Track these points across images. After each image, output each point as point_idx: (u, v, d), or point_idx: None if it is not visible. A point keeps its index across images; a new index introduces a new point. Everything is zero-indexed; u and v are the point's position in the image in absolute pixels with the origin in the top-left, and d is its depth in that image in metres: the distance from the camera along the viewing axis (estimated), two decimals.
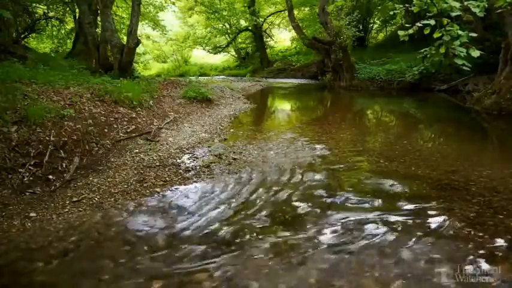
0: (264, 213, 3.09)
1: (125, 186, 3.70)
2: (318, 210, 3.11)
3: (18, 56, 7.84)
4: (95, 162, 4.25)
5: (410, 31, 2.88)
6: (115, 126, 5.38)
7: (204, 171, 4.15)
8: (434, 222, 2.85)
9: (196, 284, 2.19)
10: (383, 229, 2.74)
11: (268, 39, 23.26)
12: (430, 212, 3.02)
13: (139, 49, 16.22)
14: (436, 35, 2.81)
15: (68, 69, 7.79)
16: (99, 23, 10.35)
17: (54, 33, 14.09)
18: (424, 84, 11.69)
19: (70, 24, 14.11)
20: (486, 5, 2.91)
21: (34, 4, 11.47)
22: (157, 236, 2.75)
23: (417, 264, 2.31)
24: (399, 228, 2.75)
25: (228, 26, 22.03)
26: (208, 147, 5.18)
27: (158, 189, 3.63)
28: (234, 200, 3.37)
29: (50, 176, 3.72)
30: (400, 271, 2.24)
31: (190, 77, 11.67)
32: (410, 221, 2.87)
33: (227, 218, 3.02)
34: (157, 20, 16.17)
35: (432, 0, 2.78)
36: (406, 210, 3.08)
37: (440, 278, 2.17)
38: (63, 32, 14.36)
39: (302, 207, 3.19)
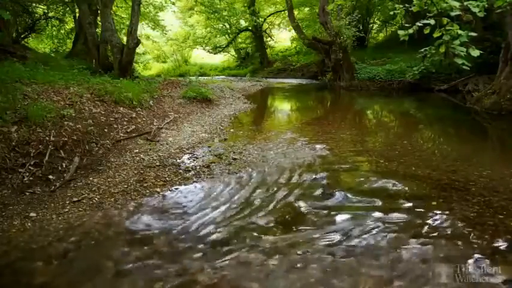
0: (263, 213, 3.09)
1: (125, 186, 3.70)
2: (318, 211, 3.11)
3: (18, 56, 7.84)
4: (95, 162, 4.25)
5: (410, 31, 2.88)
6: (115, 126, 5.38)
7: (204, 171, 4.15)
8: (434, 222, 2.85)
9: (196, 284, 2.19)
10: (383, 229, 2.74)
11: (268, 39, 23.24)
12: (430, 212, 3.02)
13: (139, 49, 16.20)
14: (435, 35, 2.81)
15: (68, 69, 7.81)
16: (99, 23, 10.36)
17: (54, 33, 14.10)
18: (424, 84, 11.68)
19: (70, 24, 14.12)
20: (486, 5, 2.90)
21: (34, 4, 11.48)
22: (157, 236, 2.75)
23: (417, 264, 2.31)
24: (399, 228, 2.76)
25: (228, 26, 21.99)
26: (208, 147, 5.18)
27: (158, 189, 3.63)
28: (234, 200, 3.37)
29: (50, 176, 3.72)
30: (400, 271, 2.24)
31: (190, 77, 11.64)
32: (411, 221, 2.87)
33: (227, 218, 3.02)
34: (157, 20, 16.17)
35: (432, 0, 2.77)
36: (406, 210, 3.08)
37: (440, 278, 2.17)
38: (63, 32, 14.37)
39: (302, 207, 3.19)
